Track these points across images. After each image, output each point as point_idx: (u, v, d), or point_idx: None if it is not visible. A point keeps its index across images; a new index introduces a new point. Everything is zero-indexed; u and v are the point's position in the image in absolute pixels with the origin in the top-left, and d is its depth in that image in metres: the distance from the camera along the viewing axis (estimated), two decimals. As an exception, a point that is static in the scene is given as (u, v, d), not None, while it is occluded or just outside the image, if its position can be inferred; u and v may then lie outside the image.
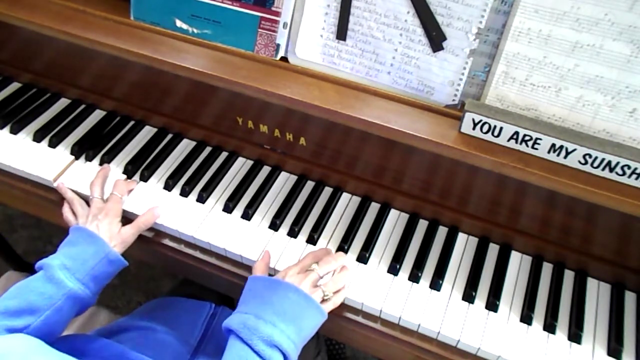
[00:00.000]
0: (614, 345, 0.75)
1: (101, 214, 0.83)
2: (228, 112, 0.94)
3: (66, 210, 0.89)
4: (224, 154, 1.00)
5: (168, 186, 0.94)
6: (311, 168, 0.95)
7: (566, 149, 0.68)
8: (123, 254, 0.81)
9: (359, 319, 0.80)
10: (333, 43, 0.81)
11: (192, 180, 0.94)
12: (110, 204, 0.85)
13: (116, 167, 0.97)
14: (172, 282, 1.66)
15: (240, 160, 0.99)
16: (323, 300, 0.73)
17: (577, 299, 0.81)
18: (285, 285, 0.71)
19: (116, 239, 0.81)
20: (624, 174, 0.67)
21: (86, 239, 0.78)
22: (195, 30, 0.87)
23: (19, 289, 0.71)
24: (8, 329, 0.66)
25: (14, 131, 1.01)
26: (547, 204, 0.79)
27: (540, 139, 0.69)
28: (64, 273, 0.72)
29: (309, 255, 0.79)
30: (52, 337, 0.71)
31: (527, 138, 0.70)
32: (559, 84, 0.70)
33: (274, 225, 0.88)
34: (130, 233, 0.83)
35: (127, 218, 0.88)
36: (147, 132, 1.03)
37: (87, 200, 0.90)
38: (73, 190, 0.92)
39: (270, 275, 0.78)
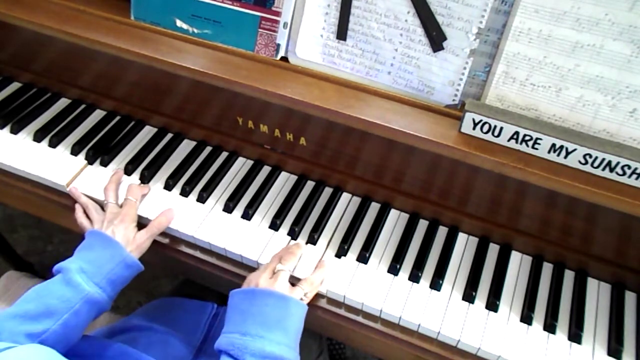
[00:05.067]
0: (614, 345, 0.75)
1: (117, 219, 0.82)
2: (228, 112, 0.94)
3: (80, 215, 0.87)
4: (224, 154, 1.00)
5: (168, 186, 0.94)
6: (311, 168, 0.94)
7: (566, 149, 0.68)
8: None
9: (359, 319, 0.80)
10: (333, 43, 0.81)
11: (192, 180, 0.94)
12: (126, 208, 0.84)
13: (116, 168, 0.97)
14: (172, 282, 1.65)
15: (241, 160, 0.99)
16: (301, 299, 0.75)
17: (577, 299, 0.81)
18: (260, 293, 0.72)
19: (132, 244, 0.81)
20: (624, 174, 0.67)
21: (102, 243, 0.77)
22: (195, 30, 0.87)
23: (37, 292, 0.71)
24: (27, 334, 0.66)
25: (14, 131, 1.01)
26: (547, 204, 0.79)
27: (541, 139, 0.69)
28: (81, 276, 0.72)
29: (273, 258, 0.80)
30: (70, 342, 0.71)
31: (527, 138, 0.70)
32: (559, 84, 0.70)
33: (274, 225, 0.88)
34: (144, 238, 0.83)
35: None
36: (147, 132, 1.03)
37: (100, 205, 0.89)
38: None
39: (255, 269, 0.80)
